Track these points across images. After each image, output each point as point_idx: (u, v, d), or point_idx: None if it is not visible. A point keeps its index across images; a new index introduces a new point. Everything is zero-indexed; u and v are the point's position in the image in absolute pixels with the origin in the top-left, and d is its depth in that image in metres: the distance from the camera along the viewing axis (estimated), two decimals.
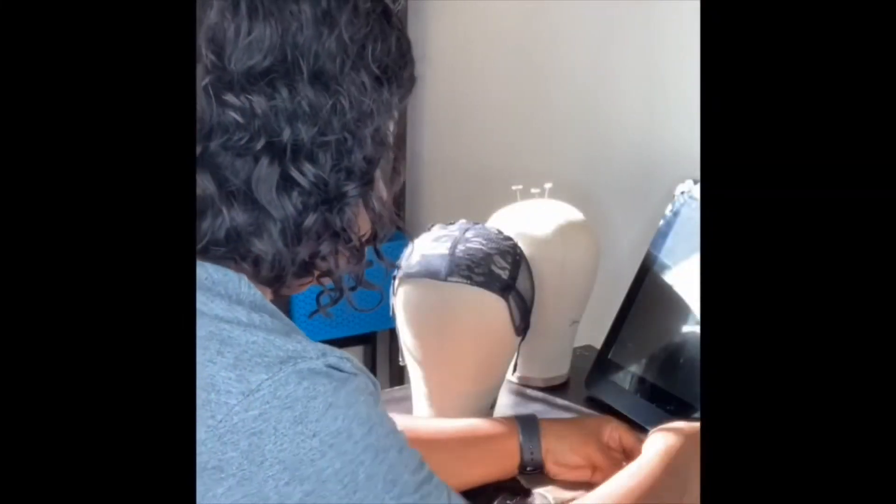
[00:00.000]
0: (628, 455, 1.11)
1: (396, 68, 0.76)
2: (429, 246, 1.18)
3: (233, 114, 0.69)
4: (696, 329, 1.23)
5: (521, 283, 1.20)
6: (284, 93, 0.70)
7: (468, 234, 1.20)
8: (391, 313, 1.23)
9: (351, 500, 0.68)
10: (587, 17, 1.75)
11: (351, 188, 0.74)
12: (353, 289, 0.83)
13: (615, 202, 1.71)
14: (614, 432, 1.12)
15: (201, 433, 0.66)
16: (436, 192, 2.27)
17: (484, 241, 1.19)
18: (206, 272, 0.72)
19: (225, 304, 0.71)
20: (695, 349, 1.23)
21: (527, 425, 1.11)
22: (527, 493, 1.09)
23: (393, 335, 1.37)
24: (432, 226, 1.23)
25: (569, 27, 1.80)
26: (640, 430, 1.23)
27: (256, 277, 0.75)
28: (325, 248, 0.76)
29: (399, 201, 2.29)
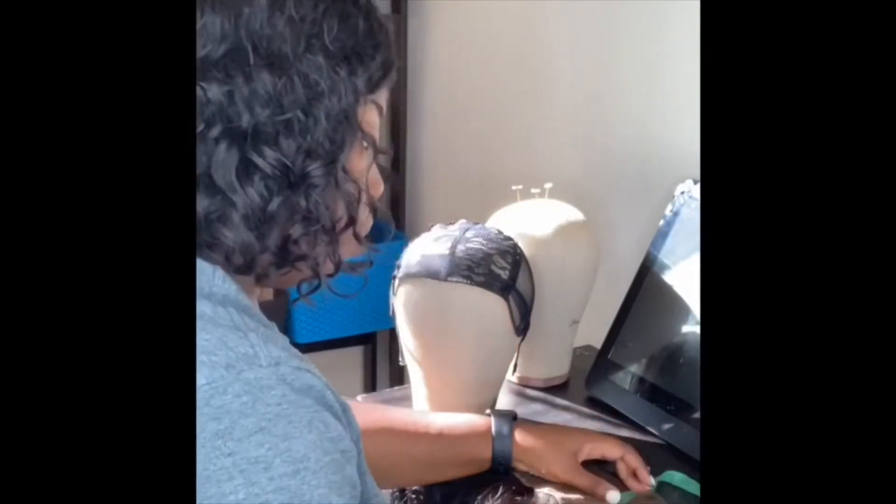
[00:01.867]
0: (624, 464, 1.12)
1: (361, 50, 0.74)
2: (429, 246, 1.19)
3: None
4: (696, 329, 1.23)
5: (521, 283, 1.20)
6: (240, 78, 0.69)
7: (468, 234, 1.20)
8: (391, 313, 1.23)
9: None
10: (587, 17, 1.75)
11: (314, 168, 0.72)
12: (330, 275, 0.78)
13: (615, 202, 1.71)
14: (594, 451, 1.13)
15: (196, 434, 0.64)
16: (436, 193, 2.27)
17: (484, 241, 1.19)
18: None
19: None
20: (695, 349, 1.23)
21: (501, 434, 1.10)
22: (530, 492, 1.09)
23: (393, 335, 1.37)
24: (432, 226, 1.24)
25: (569, 27, 1.80)
26: (641, 430, 1.24)
27: (231, 267, 0.73)
28: (295, 231, 0.73)
29: (399, 201, 2.29)
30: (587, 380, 1.35)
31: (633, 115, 1.68)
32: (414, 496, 1.09)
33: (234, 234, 0.71)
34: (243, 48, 0.70)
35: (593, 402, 1.32)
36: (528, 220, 1.30)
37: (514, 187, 1.34)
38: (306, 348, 2.05)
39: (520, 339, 1.23)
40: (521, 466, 1.12)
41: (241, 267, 0.73)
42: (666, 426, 1.21)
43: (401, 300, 1.20)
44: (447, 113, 2.16)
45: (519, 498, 1.06)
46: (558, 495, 1.09)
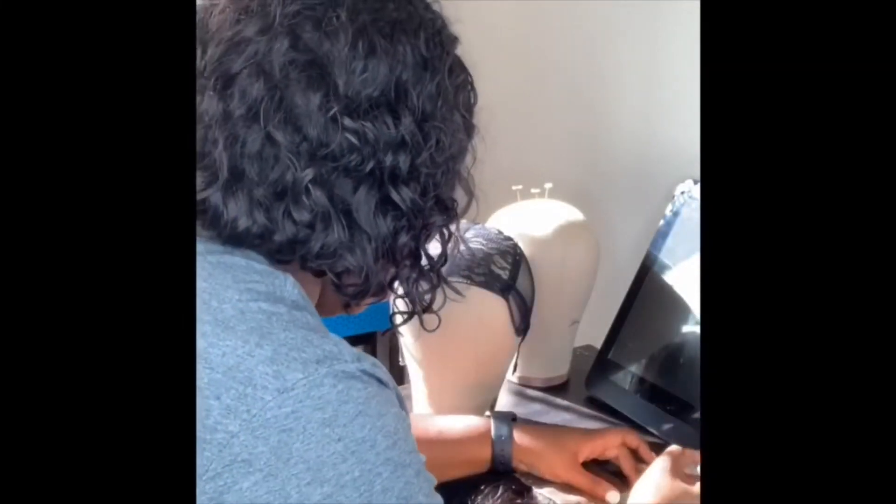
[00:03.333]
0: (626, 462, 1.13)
1: (472, 114, 0.85)
2: (429, 246, 1.19)
3: (350, 137, 0.75)
4: (696, 329, 1.23)
5: (521, 283, 1.20)
6: (391, 123, 0.76)
7: (468, 234, 1.20)
8: (391, 313, 1.23)
9: None
10: (587, 17, 1.75)
11: (439, 219, 0.82)
12: (425, 310, 0.88)
13: (615, 202, 1.71)
14: (595, 448, 1.14)
15: (235, 426, 0.67)
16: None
17: (484, 241, 1.19)
18: (255, 270, 0.76)
19: (269, 302, 0.73)
20: (695, 349, 1.23)
21: (501, 437, 1.12)
22: (529, 492, 1.09)
23: (393, 335, 1.37)
24: None
25: (569, 27, 1.80)
26: (640, 430, 1.24)
27: (339, 290, 0.80)
28: (405, 271, 0.82)
29: None
30: (587, 380, 1.35)
31: (633, 115, 1.68)
32: None
33: (360, 262, 0.78)
34: (394, 98, 0.77)
35: (593, 402, 1.32)
36: (528, 220, 1.30)
37: (514, 187, 1.34)
38: None
39: (520, 339, 1.23)
40: (522, 467, 1.12)
41: (353, 293, 0.81)
42: (666, 426, 1.21)
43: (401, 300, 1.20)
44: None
45: (519, 501, 1.06)
46: (559, 498, 1.09)
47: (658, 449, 1.14)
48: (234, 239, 0.76)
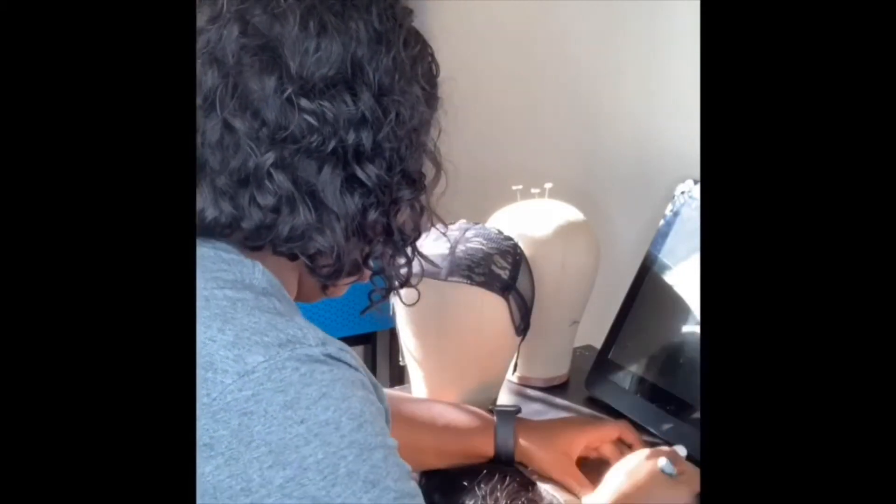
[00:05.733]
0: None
1: (435, 87, 0.84)
2: (429, 246, 1.19)
3: (308, 118, 0.75)
4: (696, 329, 1.23)
5: (522, 283, 1.20)
6: (349, 101, 0.76)
7: (468, 234, 1.20)
8: (391, 313, 1.23)
9: (329, 492, 0.68)
10: (587, 16, 1.75)
11: (406, 193, 0.81)
12: (402, 286, 0.89)
13: (615, 202, 1.71)
14: (592, 442, 1.13)
15: (196, 410, 0.67)
16: (436, 193, 2.27)
17: (484, 241, 1.19)
18: (223, 259, 0.76)
19: (235, 290, 0.74)
20: (695, 349, 1.23)
21: (504, 432, 1.12)
22: (533, 485, 1.09)
23: (393, 335, 1.37)
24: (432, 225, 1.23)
25: (569, 27, 1.80)
26: (640, 429, 1.24)
27: (313, 273, 0.81)
28: (378, 248, 0.82)
29: None
30: (587, 380, 1.35)
31: (633, 115, 1.68)
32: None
33: (330, 242, 0.77)
34: (351, 75, 0.77)
35: (593, 402, 1.32)
36: (528, 220, 1.30)
37: (514, 187, 1.33)
38: None
39: (520, 339, 1.23)
40: (525, 462, 1.13)
41: (327, 274, 0.81)
42: (666, 426, 1.21)
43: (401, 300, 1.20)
44: (446, 113, 2.16)
45: (524, 497, 1.06)
46: (562, 496, 1.08)
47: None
48: (205, 230, 0.77)
